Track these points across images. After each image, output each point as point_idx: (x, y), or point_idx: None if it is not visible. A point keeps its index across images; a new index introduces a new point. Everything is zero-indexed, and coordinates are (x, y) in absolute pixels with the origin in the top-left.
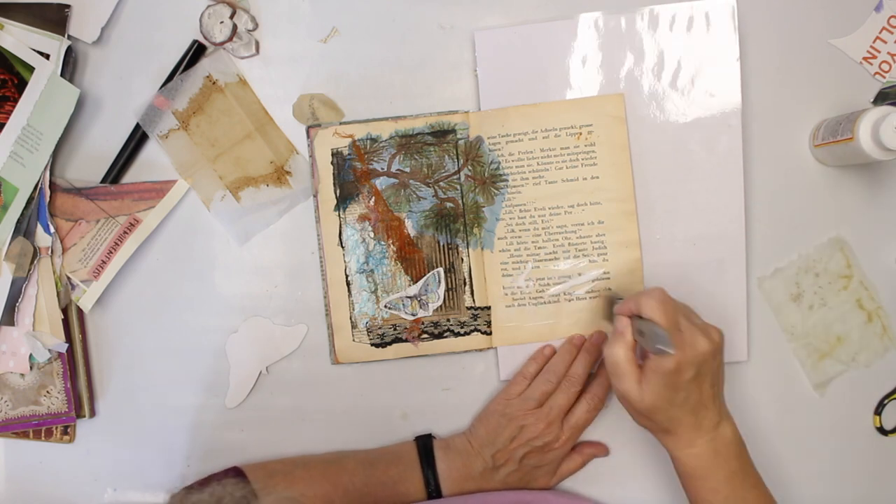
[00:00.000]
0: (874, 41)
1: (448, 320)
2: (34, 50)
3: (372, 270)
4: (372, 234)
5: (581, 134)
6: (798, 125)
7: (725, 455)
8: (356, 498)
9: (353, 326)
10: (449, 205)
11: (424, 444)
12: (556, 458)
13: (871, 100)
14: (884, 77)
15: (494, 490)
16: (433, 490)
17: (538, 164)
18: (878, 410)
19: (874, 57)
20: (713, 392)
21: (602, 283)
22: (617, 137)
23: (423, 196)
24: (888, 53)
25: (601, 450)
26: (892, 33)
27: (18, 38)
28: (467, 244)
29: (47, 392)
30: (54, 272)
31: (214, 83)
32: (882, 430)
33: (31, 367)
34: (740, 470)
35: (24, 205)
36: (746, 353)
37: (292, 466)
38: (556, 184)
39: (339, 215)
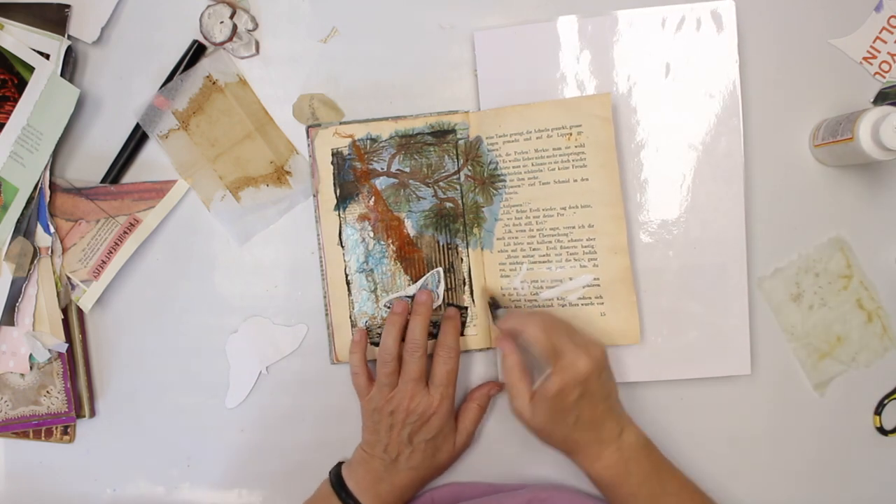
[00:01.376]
0: (874, 41)
1: None
2: (34, 50)
3: (372, 270)
4: (372, 234)
5: (571, 135)
6: (798, 125)
7: (636, 459)
8: None
9: (353, 325)
10: (449, 205)
11: (335, 472)
12: (441, 422)
13: (871, 100)
14: (884, 77)
15: (409, 483)
16: None
17: (532, 164)
18: (878, 410)
19: (874, 57)
20: (606, 406)
21: (593, 290)
22: (605, 138)
23: (423, 196)
24: (888, 53)
25: (493, 387)
26: (892, 33)
27: (18, 38)
28: (467, 244)
29: (47, 392)
30: (54, 272)
31: (214, 83)
32: (882, 430)
33: (31, 367)
34: (653, 469)
35: (24, 205)
36: (749, 366)
37: None
38: (549, 185)
39: (338, 215)
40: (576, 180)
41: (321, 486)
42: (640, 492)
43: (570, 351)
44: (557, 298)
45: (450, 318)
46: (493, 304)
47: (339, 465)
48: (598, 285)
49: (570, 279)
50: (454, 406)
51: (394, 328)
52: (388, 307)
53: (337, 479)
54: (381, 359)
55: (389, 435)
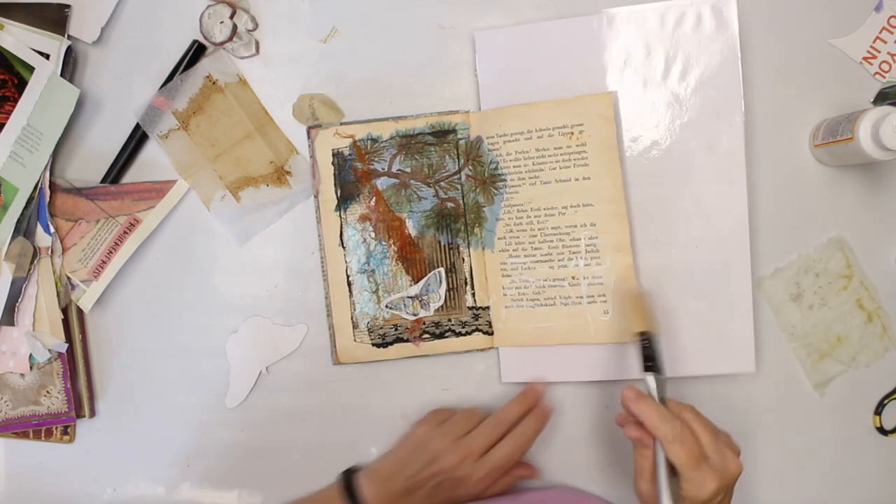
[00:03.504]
0: (874, 41)
1: (449, 320)
2: (34, 50)
3: (373, 270)
4: (373, 235)
5: (573, 134)
6: (798, 125)
7: None
8: None
9: (355, 326)
10: (450, 205)
11: (346, 477)
12: (471, 495)
13: (871, 100)
14: (884, 77)
15: None
16: None
17: (533, 164)
18: (878, 410)
19: (874, 57)
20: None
21: (596, 289)
22: (606, 137)
23: (424, 196)
24: (888, 53)
25: (530, 472)
26: (892, 33)
27: (18, 38)
28: (468, 244)
29: (47, 392)
30: (54, 272)
31: (214, 83)
32: (882, 430)
33: (31, 367)
34: None
35: (24, 205)
36: (754, 364)
37: None
38: (551, 184)
39: (340, 216)
40: (577, 179)
41: (326, 489)
42: None
43: (717, 453)
44: (560, 297)
45: (542, 416)
46: (644, 338)
47: (349, 471)
48: (602, 283)
49: (573, 278)
50: (486, 491)
51: (520, 408)
52: (390, 307)
53: (348, 488)
54: (467, 413)
55: (417, 473)
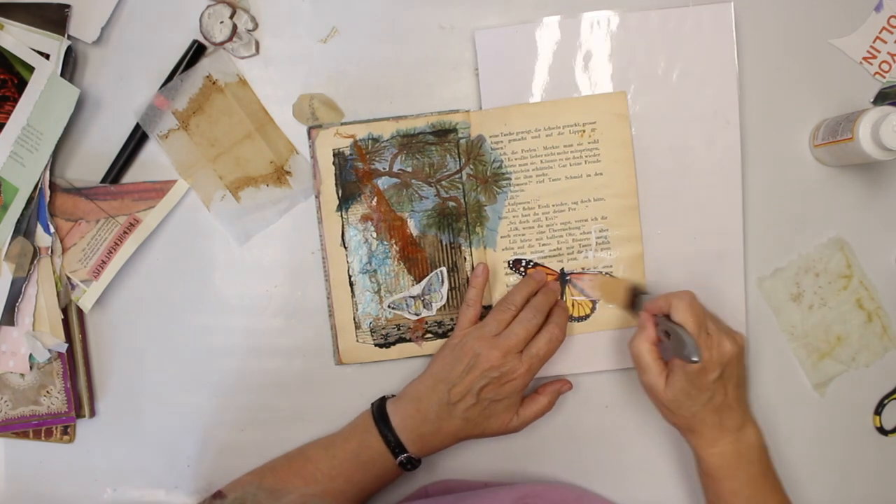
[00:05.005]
0: (874, 41)
1: (452, 319)
2: (34, 50)
3: (375, 271)
4: (374, 235)
5: (584, 131)
6: (798, 125)
7: (748, 458)
8: (326, 482)
9: (357, 327)
10: (451, 204)
11: (378, 406)
12: (514, 391)
13: (871, 100)
14: (884, 77)
15: (454, 431)
16: (395, 446)
17: (541, 161)
18: (878, 410)
19: (874, 57)
20: (737, 394)
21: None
22: (620, 134)
23: (426, 195)
24: (888, 53)
25: (566, 385)
26: (892, 33)
27: (18, 38)
28: (470, 243)
29: (47, 392)
30: (54, 272)
31: (214, 83)
32: (882, 430)
33: (31, 367)
34: (762, 474)
35: (24, 205)
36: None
37: (262, 474)
38: (560, 181)
39: (341, 216)
40: (589, 175)
41: (359, 418)
42: (743, 492)
43: (716, 333)
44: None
45: (555, 292)
46: (637, 291)
47: (383, 399)
48: (611, 273)
49: (583, 269)
50: (529, 384)
51: (527, 288)
52: (392, 307)
53: (380, 413)
54: (502, 305)
55: (463, 378)
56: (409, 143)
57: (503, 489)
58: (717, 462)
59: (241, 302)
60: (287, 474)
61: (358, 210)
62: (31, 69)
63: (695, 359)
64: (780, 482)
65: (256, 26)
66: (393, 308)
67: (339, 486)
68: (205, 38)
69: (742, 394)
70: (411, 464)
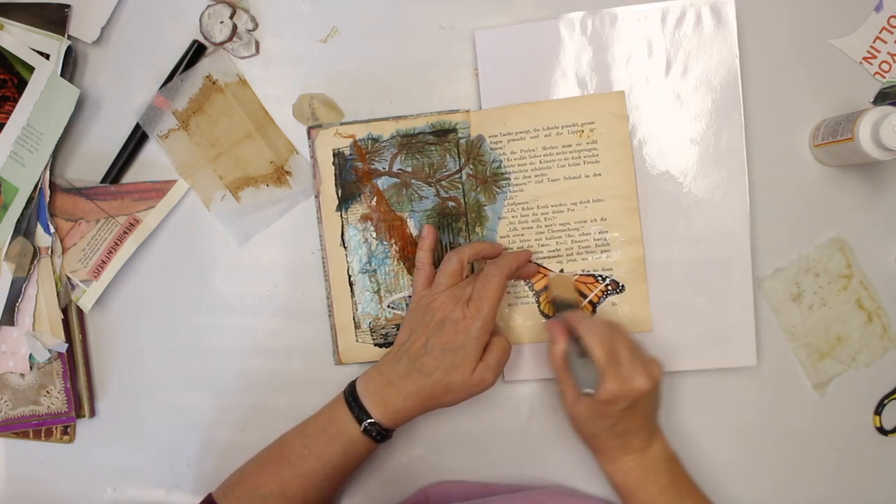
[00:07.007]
0: (874, 41)
1: None
2: (34, 50)
3: (375, 270)
4: (374, 234)
5: (583, 132)
6: (798, 125)
7: (654, 471)
8: (299, 463)
9: (357, 327)
10: (451, 204)
11: (351, 382)
12: (468, 337)
13: (871, 100)
14: (884, 77)
15: (414, 390)
16: (359, 412)
17: (540, 162)
18: (878, 410)
19: (874, 57)
20: (643, 422)
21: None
22: (618, 134)
23: (425, 195)
24: (888, 53)
25: (527, 254)
26: (892, 33)
27: (18, 38)
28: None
29: (47, 392)
30: (54, 272)
31: (214, 83)
32: (882, 430)
33: (31, 367)
34: (671, 483)
35: (24, 205)
36: (755, 358)
37: (243, 469)
38: (559, 181)
39: (341, 216)
40: (588, 176)
41: (332, 401)
42: (656, 502)
43: (629, 364)
44: None
45: (513, 254)
46: (562, 304)
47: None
48: (612, 275)
49: (582, 271)
50: (486, 334)
51: (476, 246)
52: (392, 307)
53: (349, 387)
54: (448, 258)
55: (418, 332)
56: (409, 143)
57: (505, 499)
58: (621, 478)
59: (240, 302)
60: (266, 462)
61: (358, 210)
62: (31, 69)
63: (587, 390)
64: (695, 486)
65: (256, 26)
66: (392, 308)
67: (311, 464)
68: (205, 38)
69: (649, 420)
70: (377, 432)
